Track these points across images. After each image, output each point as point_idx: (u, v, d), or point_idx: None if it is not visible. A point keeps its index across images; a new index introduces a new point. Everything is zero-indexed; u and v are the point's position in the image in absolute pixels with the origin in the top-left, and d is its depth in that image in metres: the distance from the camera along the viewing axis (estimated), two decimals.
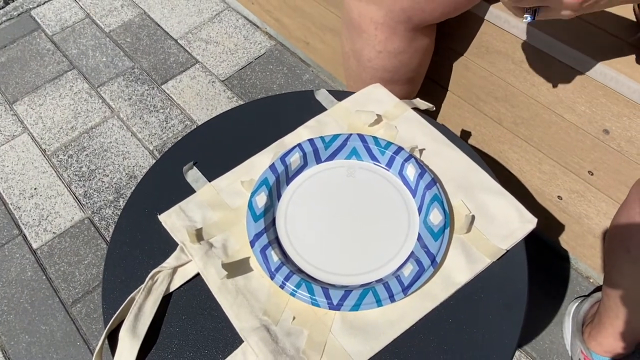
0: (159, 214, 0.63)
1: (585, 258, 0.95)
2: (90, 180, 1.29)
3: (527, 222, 0.60)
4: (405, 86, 0.85)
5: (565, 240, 0.98)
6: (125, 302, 0.56)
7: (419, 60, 0.80)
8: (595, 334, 0.82)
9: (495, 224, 0.60)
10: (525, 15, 0.56)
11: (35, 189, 1.29)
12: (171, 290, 0.58)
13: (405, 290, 0.55)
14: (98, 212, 1.23)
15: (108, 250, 0.62)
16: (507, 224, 0.60)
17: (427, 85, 0.99)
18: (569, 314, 0.96)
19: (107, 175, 1.29)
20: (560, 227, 0.95)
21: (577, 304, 0.96)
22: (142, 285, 0.57)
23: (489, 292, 0.56)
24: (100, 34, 1.63)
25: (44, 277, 1.14)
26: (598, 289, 1.01)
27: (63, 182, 1.29)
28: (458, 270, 0.57)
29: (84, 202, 1.25)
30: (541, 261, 1.06)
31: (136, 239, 0.63)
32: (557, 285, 1.04)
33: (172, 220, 0.63)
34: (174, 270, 0.59)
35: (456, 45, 0.87)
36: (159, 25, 1.63)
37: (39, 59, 1.58)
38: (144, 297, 0.56)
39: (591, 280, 1.04)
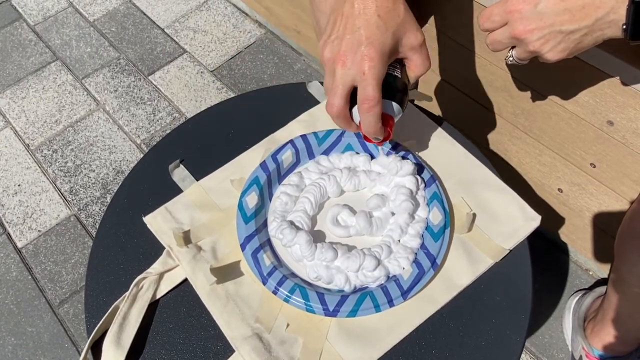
0: (144, 216, 0.60)
1: (586, 251, 0.93)
2: (75, 175, 1.25)
3: (531, 220, 0.58)
4: None
5: (564, 233, 0.95)
6: (109, 311, 0.53)
7: None
8: (598, 331, 0.80)
9: (497, 222, 0.58)
10: (507, 56, 0.57)
11: (19, 185, 1.25)
12: (157, 297, 0.55)
13: (405, 294, 0.52)
14: (84, 209, 1.19)
15: (90, 255, 0.59)
16: (509, 222, 0.57)
17: (425, 75, 0.96)
18: (569, 308, 0.94)
19: (94, 171, 1.25)
20: (560, 220, 0.93)
21: (577, 298, 0.94)
22: (127, 293, 0.54)
23: (492, 294, 0.54)
24: (84, 23, 1.58)
25: (30, 277, 1.11)
26: (599, 282, 1.00)
27: (48, 178, 1.25)
28: (459, 271, 0.54)
29: (69, 199, 1.21)
30: (539, 254, 1.04)
31: (120, 243, 0.59)
32: (556, 278, 1.02)
33: (157, 222, 0.59)
34: (161, 275, 0.56)
35: (453, 34, 0.83)
36: (144, 14, 1.58)
37: (20, 50, 1.52)
38: (128, 305, 0.53)
39: (591, 273, 1.02)
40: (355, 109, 0.50)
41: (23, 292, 1.09)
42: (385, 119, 0.50)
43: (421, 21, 0.87)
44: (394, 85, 0.50)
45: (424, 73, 0.52)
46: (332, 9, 0.50)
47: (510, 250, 0.56)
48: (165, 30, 1.53)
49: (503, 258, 0.55)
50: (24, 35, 1.56)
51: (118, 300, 0.54)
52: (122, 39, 1.52)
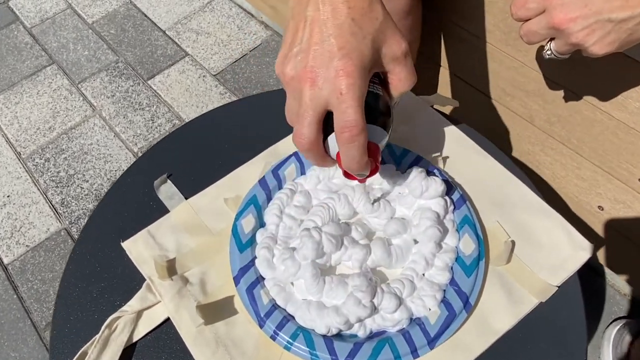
0: (123, 241, 0.51)
1: (626, 275, 0.83)
2: (68, 186, 1.17)
3: (581, 250, 0.48)
4: None
5: (602, 255, 0.85)
6: (76, 357, 0.44)
7: None
8: None
9: (541, 252, 0.48)
10: (545, 49, 0.52)
11: (8, 196, 1.17)
12: (134, 339, 0.46)
13: (432, 342, 0.43)
14: (76, 223, 1.11)
15: (59, 288, 0.50)
16: (555, 252, 0.48)
17: (446, 78, 0.87)
18: (609, 339, 0.84)
19: (87, 181, 1.17)
20: (599, 241, 0.83)
21: (617, 327, 0.84)
22: (97, 336, 0.45)
23: (537, 341, 0.44)
24: (83, 25, 1.51)
25: (15, 296, 1.02)
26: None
27: (39, 189, 1.17)
28: (497, 313, 0.45)
29: (60, 211, 1.13)
30: None
31: (94, 272, 0.51)
32: (592, 303, 0.92)
33: (138, 248, 0.51)
34: (139, 314, 0.47)
35: (479, 31, 0.74)
36: (145, 16, 1.51)
37: (16, 53, 1.46)
38: (98, 350, 0.44)
39: (629, 299, 0.92)
40: (330, 139, 0.39)
41: (7, 312, 1.01)
42: (370, 149, 0.39)
43: (441, 18, 0.78)
44: (377, 106, 0.40)
45: (409, 89, 0.41)
46: (292, 14, 0.38)
47: (558, 287, 0.46)
48: (166, 32, 1.46)
49: (550, 297, 0.46)
50: (19, 38, 1.49)
51: (86, 345, 0.45)
52: (122, 42, 1.45)
